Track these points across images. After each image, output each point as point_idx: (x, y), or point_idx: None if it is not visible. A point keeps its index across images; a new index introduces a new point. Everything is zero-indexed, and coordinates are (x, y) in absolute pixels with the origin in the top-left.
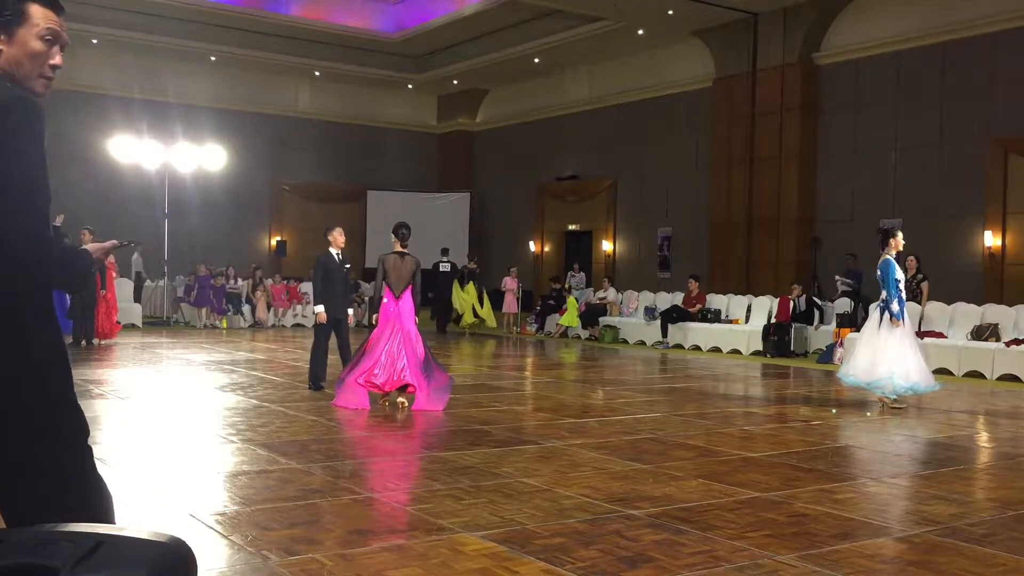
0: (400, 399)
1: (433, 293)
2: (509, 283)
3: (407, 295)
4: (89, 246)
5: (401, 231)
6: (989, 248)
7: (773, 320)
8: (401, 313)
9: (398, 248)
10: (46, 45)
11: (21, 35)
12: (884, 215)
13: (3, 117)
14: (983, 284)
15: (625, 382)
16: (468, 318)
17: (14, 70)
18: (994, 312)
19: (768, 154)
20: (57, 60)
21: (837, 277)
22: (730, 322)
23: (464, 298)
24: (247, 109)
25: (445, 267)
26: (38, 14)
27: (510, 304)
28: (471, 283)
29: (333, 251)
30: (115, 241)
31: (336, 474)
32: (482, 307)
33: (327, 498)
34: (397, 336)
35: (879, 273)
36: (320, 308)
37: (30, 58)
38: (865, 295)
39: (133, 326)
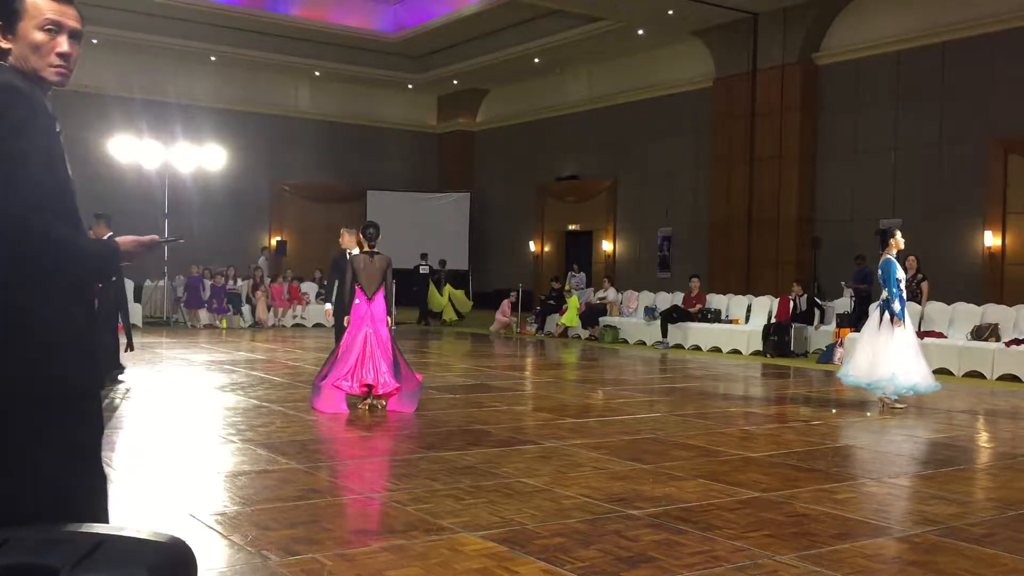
0: (365, 403)
1: (417, 290)
2: (502, 313)
3: (379, 296)
4: (122, 239)
5: (368, 231)
6: (989, 248)
7: (773, 320)
8: (374, 315)
9: (366, 248)
10: (48, 35)
11: (22, 29)
12: (884, 215)
13: None
14: (983, 284)
15: (625, 382)
16: (449, 315)
17: (23, 65)
18: (994, 312)
19: (768, 154)
20: (64, 48)
21: (843, 283)
22: (730, 322)
23: (440, 299)
24: (247, 109)
25: (424, 270)
26: (37, 5)
27: (500, 321)
28: (447, 284)
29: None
30: (155, 236)
31: (334, 474)
32: (457, 297)
33: (327, 498)
34: (370, 339)
35: (880, 273)
36: (328, 306)
37: (34, 50)
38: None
39: (133, 326)
